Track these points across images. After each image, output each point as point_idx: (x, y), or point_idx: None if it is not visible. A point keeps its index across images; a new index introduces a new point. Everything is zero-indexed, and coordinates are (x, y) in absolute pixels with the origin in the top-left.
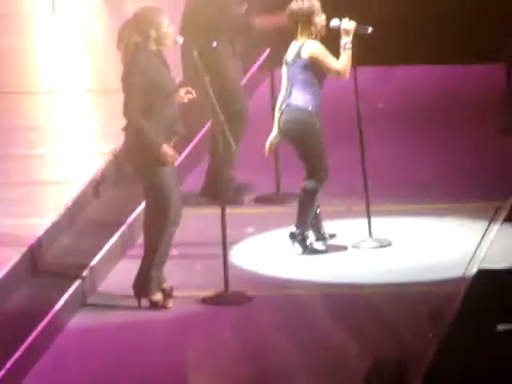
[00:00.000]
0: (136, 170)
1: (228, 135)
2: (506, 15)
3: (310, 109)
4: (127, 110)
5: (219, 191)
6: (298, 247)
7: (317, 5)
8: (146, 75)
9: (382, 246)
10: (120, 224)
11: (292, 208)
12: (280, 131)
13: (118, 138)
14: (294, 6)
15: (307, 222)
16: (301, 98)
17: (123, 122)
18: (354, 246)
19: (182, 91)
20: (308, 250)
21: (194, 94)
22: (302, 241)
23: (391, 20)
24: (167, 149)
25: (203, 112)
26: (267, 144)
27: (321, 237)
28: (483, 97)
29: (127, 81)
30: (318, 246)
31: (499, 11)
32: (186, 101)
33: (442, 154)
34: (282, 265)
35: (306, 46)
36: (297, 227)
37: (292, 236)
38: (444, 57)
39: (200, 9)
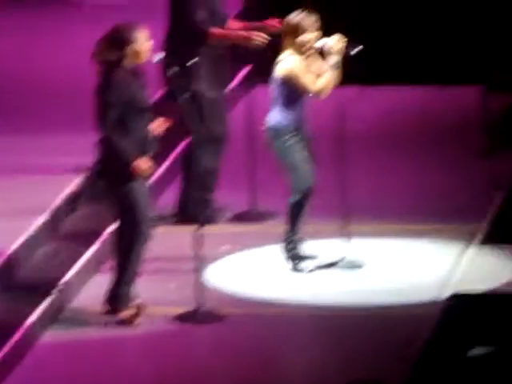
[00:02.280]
0: (108, 185)
1: (204, 153)
2: (489, 39)
3: (287, 127)
4: (100, 124)
5: (193, 210)
6: (288, 264)
7: (308, 21)
8: (119, 91)
9: (355, 268)
10: (95, 239)
11: (268, 226)
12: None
13: (93, 153)
14: (287, 17)
15: (295, 238)
16: (278, 116)
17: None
18: (328, 267)
19: (157, 121)
20: (296, 267)
21: (166, 125)
22: (293, 257)
23: (369, 39)
24: (142, 161)
25: (180, 129)
26: None
27: (307, 255)
28: (461, 119)
29: (101, 96)
30: (305, 263)
31: (482, 33)
32: (158, 131)
33: (419, 176)
34: (257, 283)
35: (282, 63)
36: (287, 243)
37: (284, 251)
38: (423, 77)
39: (177, 23)
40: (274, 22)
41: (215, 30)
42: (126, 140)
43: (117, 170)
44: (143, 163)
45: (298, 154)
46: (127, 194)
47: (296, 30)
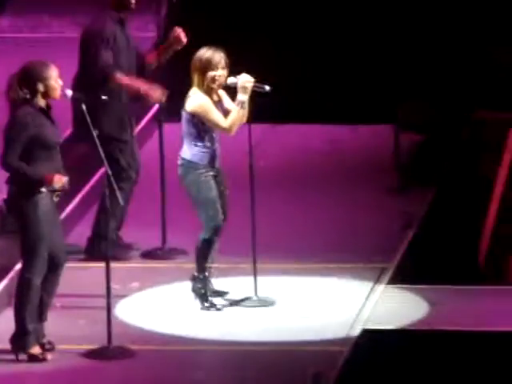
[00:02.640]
0: (14, 218)
1: (115, 190)
2: (398, 79)
3: (199, 162)
4: (4, 160)
5: (104, 246)
6: (197, 302)
7: (217, 58)
8: (26, 130)
9: (266, 305)
10: (4, 275)
11: (178, 263)
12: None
13: (3, 190)
14: (197, 53)
15: (204, 275)
16: (189, 152)
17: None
18: (238, 304)
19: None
20: (206, 304)
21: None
22: (203, 295)
23: (280, 77)
24: (53, 175)
25: (92, 165)
26: None
27: (216, 292)
28: (372, 157)
29: (7, 133)
30: (215, 300)
31: (392, 73)
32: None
33: (328, 214)
34: (167, 320)
35: (190, 100)
36: (196, 280)
37: (194, 289)
38: (333, 116)
39: (85, 61)
40: (178, 34)
41: (118, 77)
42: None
43: (22, 203)
44: (55, 176)
45: (211, 191)
46: (31, 225)
47: (205, 67)
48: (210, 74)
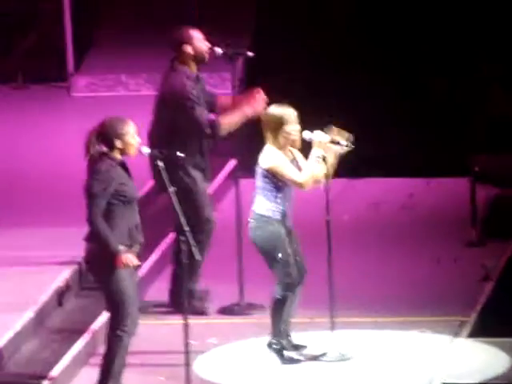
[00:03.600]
0: (95, 277)
1: (192, 245)
2: (473, 131)
3: (273, 217)
4: (90, 217)
5: (182, 301)
6: (275, 357)
7: (288, 113)
8: (111, 185)
9: (344, 359)
10: (82, 333)
11: (256, 318)
12: (250, 239)
13: (81, 246)
14: (267, 110)
15: (279, 331)
16: (263, 206)
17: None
18: (317, 359)
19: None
20: (284, 359)
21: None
22: (278, 350)
23: (357, 131)
24: (126, 256)
25: (169, 220)
26: None
27: (294, 346)
28: (448, 210)
29: (89, 189)
30: (293, 355)
31: (467, 127)
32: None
33: (406, 267)
34: (245, 376)
35: (264, 155)
36: (272, 336)
37: (269, 345)
38: (410, 170)
39: (164, 118)
40: (256, 95)
41: (223, 124)
42: (113, 231)
43: (102, 261)
44: (127, 258)
45: (286, 247)
46: (113, 284)
47: (277, 123)
48: (284, 129)
